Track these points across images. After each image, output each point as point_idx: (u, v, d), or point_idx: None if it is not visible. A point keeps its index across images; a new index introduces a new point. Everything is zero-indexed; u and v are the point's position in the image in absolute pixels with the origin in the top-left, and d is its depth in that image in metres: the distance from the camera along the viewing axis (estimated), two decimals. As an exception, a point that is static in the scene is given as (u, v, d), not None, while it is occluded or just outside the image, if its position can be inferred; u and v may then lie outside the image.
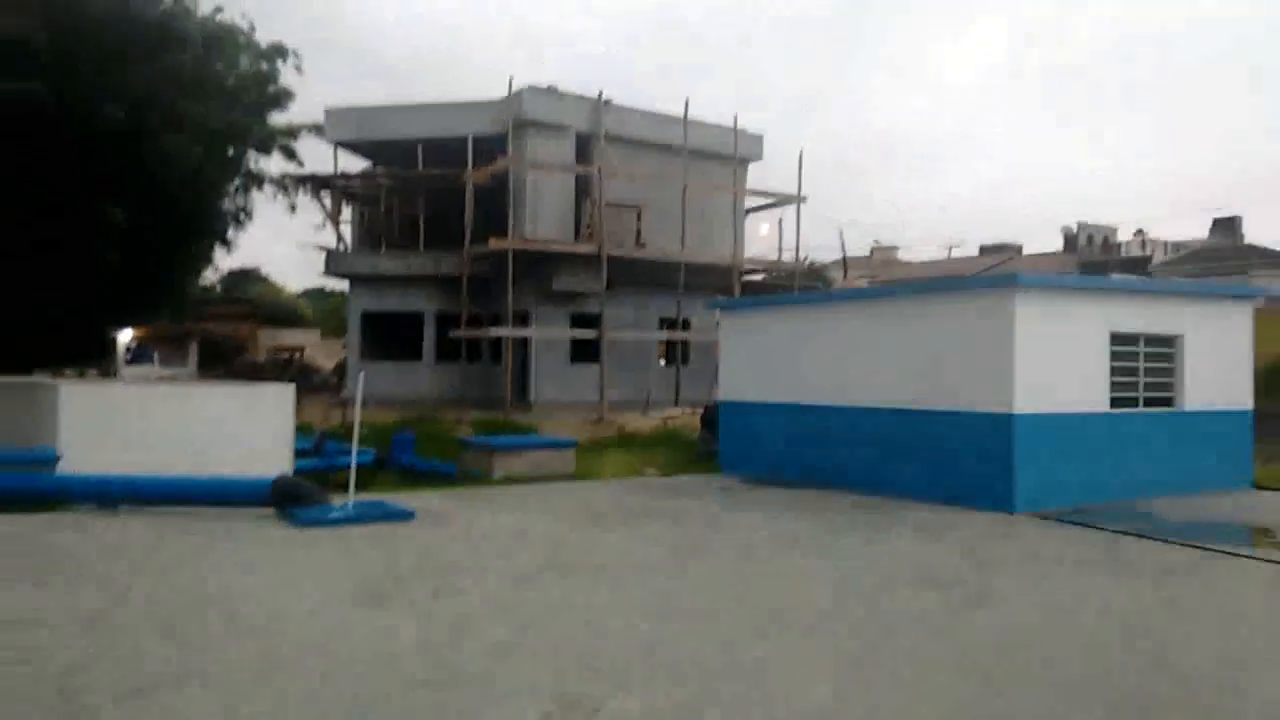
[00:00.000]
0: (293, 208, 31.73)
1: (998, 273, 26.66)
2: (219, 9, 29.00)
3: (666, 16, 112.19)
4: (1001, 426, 10.60)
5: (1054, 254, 55.35)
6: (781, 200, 31.80)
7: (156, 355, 40.11)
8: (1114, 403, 11.43)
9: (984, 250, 61.75)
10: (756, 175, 32.89)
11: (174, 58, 26.80)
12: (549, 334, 27.74)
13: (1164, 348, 11.95)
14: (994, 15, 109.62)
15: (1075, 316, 11.23)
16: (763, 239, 35.41)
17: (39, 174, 24.20)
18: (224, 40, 29.32)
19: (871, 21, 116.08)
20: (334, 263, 30.74)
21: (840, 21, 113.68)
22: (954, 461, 11.16)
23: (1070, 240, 57.47)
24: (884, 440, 12.10)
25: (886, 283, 51.18)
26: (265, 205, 32.31)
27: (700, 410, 19.92)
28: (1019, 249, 60.45)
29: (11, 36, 24.37)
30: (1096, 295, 11.75)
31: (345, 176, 30.82)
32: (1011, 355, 10.56)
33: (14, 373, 13.18)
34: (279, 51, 29.84)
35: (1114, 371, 11.43)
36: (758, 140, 32.11)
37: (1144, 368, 11.73)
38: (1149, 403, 11.79)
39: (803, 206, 31.16)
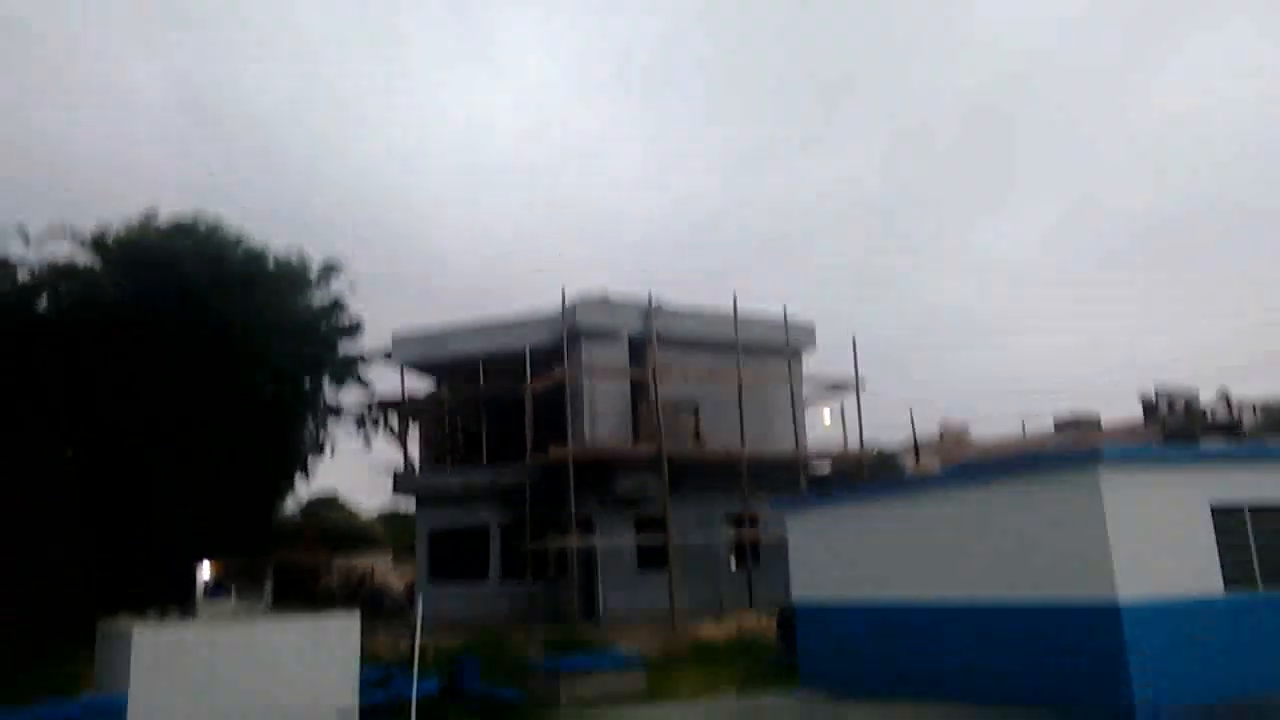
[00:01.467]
0: (366, 439, 32.52)
1: (1078, 447, 25.66)
2: (295, 246, 31.05)
3: (714, 210, 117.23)
4: (1106, 617, 9.64)
5: (1134, 424, 53.49)
6: (840, 387, 31.52)
7: (233, 588, 40.09)
8: (1227, 583, 10.40)
9: (1059, 424, 60.02)
10: (812, 363, 32.87)
11: (254, 296, 28.49)
12: (613, 541, 27.09)
13: (1276, 519, 10.98)
14: (1042, 191, 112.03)
15: (1170, 490, 10.44)
16: (825, 428, 34.90)
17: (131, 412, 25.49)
18: (298, 276, 31.19)
19: (915, 200, 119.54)
20: (401, 482, 30.99)
21: (884, 200, 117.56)
22: (1058, 658, 10.11)
23: (1150, 408, 55.62)
24: (977, 638, 11.10)
25: (960, 465, 49.74)
26: (341, 432, 32.99)
27: (776, 613, 18.84)
28: (1096, 421, 58.62)
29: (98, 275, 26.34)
30: (1190, 466, 10.97)
31: (412, 398, 31.61)
32: (1105, 537, 9.76)
33: (102, 616, 13.11)
34: (333, 269, 31.41)
35: (1221, 548, 10.47)
36: (809, 329, 32.31)
37: (1255, 544, 10.73)
38: (1268, 581, 10.70)
39: (863, 391, 30.82)
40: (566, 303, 28.58)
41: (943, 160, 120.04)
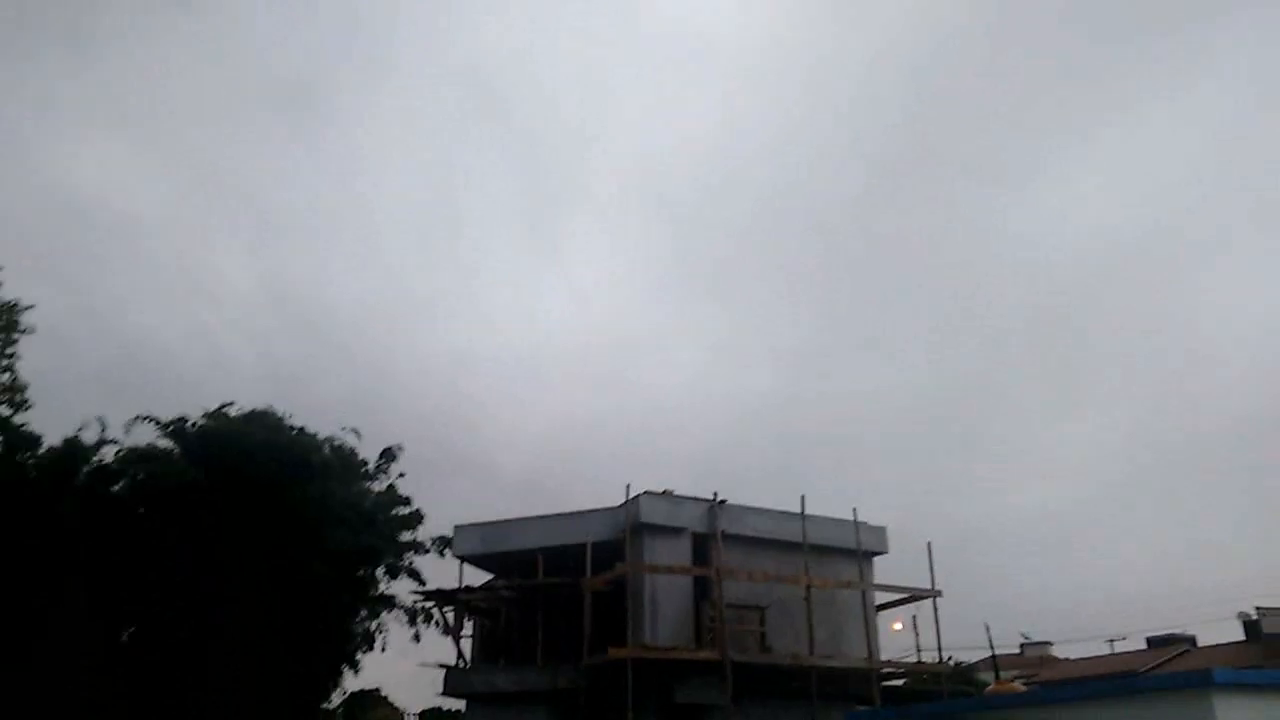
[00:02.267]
0: (416, 636, 31.79)
1: (1181, 669, 23.63)
2: (356, 435, 31.63)
3: (779, 406, 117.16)
4: None
5: (1235, 644, 49.53)
6: (915, 594, 29.93)
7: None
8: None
9: (1152, 643, 55.94)
10: (884, 568, 31.40)
11: (316, 484, 28.83)
12: (673, 755, 25.31)
13: None
14: (1116, 393, 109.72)
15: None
16: (899, 638, 32.99)
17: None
18: (359, 464, 31.66)
19: (984, 401, 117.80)
20: (452, 681, 29.78)
21: (953, 402, 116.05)
22: None
23: (1251, 627, 51.63)
24: None
25: (1047, 684, 46.21)
26: (392, 625, 32.31)
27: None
28: (1192, 640, 54.57)
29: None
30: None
31: (468, 590, 30.99)
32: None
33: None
34: (392, 458, 31.75)
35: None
36: (880, 532, 31.16)
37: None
38: None
39: (939, 600, 29.17)
40: (630, 496, 28.22)
41: (1011, 360, 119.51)
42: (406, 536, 31.77)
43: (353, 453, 32.05)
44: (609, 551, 27.84)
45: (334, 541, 28.48)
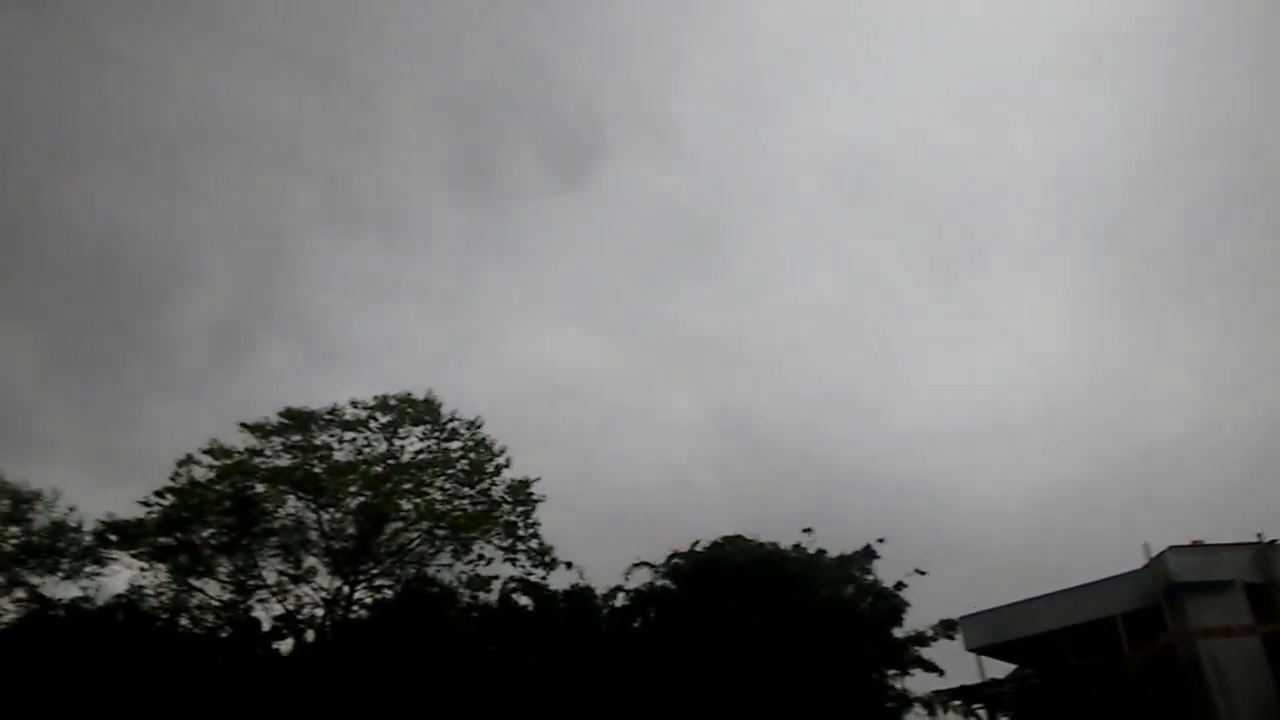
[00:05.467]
0: None
1: None
2: (822, 538, 31.96)
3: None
4: None
5: None
6: None
7: None
8: None
9: None
10: None
11: (795, 591, 29.53)
12: None
13: None
14: None
15: None
16: None
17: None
18: (836, 567, 31.78)
19: None
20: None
21: None
22: None
23: None
24: None
25: None
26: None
27: None
28: None
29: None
30: None
31: (995, 683, 29.24)
32: None
33: None
34: (872, 555, 31.28)
35: None
36: None
37: None
38: None
39: None
40: (1150, 555, 25.14)
41: None
42: (900, 632, 30.99)
43: (825, 557, 32.36)
44: (1142, 621, 24.80)
45: (828, 647, 28.59)
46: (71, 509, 30.42)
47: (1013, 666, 30.81)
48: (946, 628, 30.17)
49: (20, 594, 29.39)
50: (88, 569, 30.21)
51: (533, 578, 31.60)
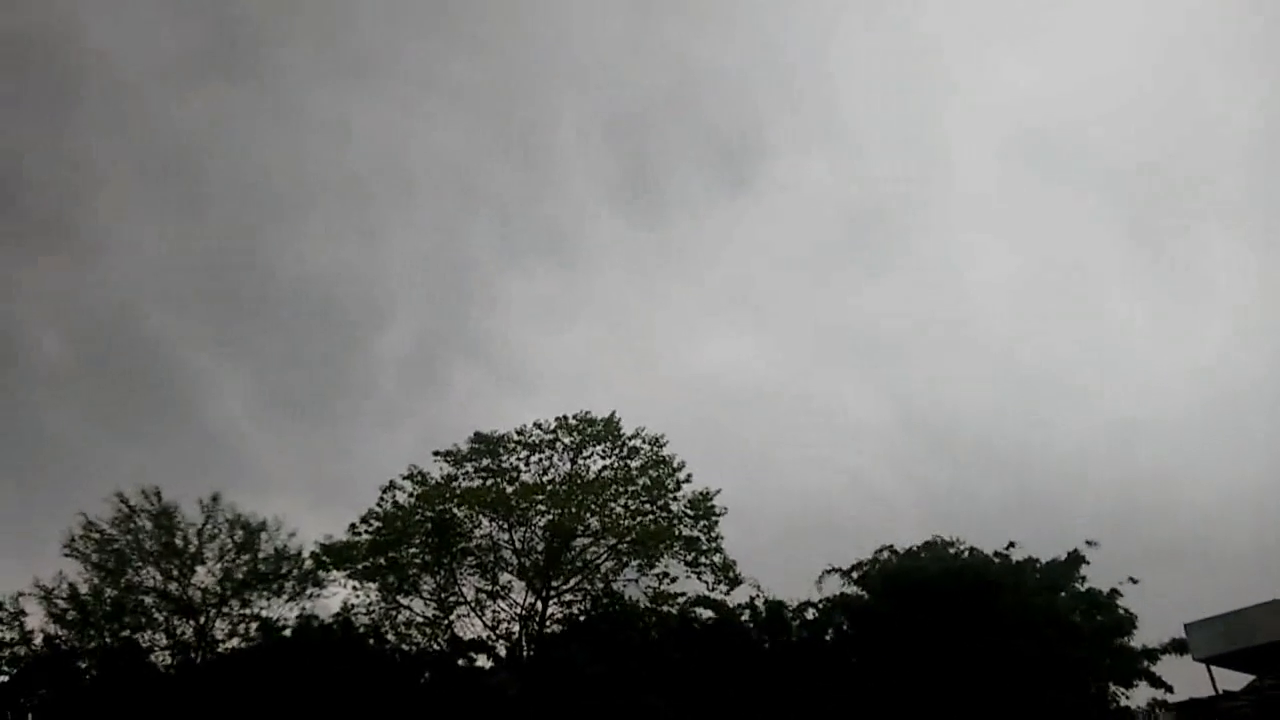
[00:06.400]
0: None
1: None
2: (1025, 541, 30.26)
3: None
4: None
5: None
6: None
7: None
8: None
9: None
10: None
11: (998, 599, 28.09)
12: None
13: None
14: None
15: None
16: None
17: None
18: (1041, 572, 30.03)
19: None
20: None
21: None
22: None
23: None
24: None
25: None
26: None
27: None
28: None
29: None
30: None
31: (1230, 696, 26.79)
32: None
33: None
34: (1077, 559, 29.53)
35: None
36: None
37: None
38: None
39: None
40: None
41: None
42: (1123, 642, 28.87)
43: (1027, 563, 30.71)
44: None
45: (1036, 658, 27.05)
46: (292, 535, 33.07)
47: (1249, 678, 28.04)
48: (1178, 646, 27.99)
49: (247, 615, 32.12)
50: (308, 591, 32.77)
51: (715, 594, 31.64)
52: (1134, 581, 29.14)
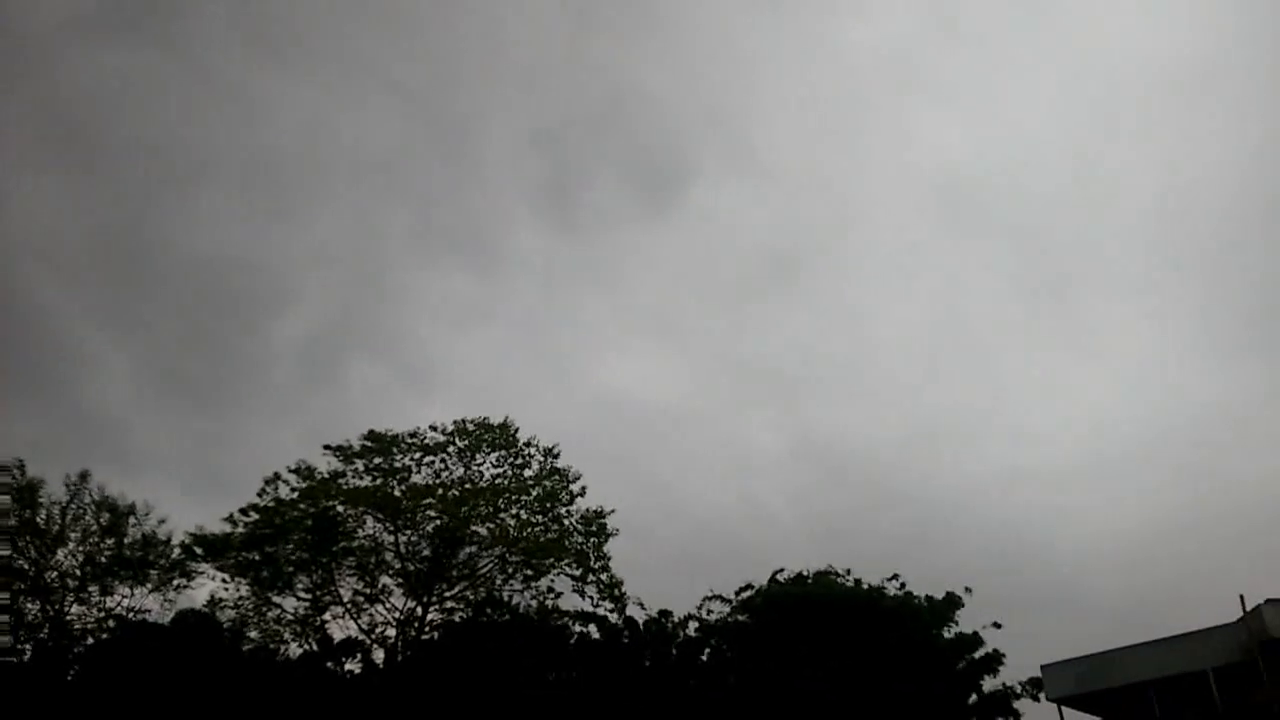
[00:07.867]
0: None
1: None
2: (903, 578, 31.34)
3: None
4: None
5: None
6: None
7: None
8: None
9: None
10: None
11: (875, 632, 29.02)
12: None
13: None
14: None
15: None
16: None
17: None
18: (916, 610, 31.10)
19: None
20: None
21: None
22: None
23: None
24: None
25: None
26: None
27: None
28: None
29: None
30: None
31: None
32: None
33: None
34: (953, 601, 30.78)
35: None
36: None
37: None
38: None
39: None
40: (1245, 609, 23.92)
41: None
42: (989, 682, 30.10)
43: (906, 599, 31.73)
44: (1236, 677, 23.51)
45: (906, 692, 27.92)
46: (162, 522, 31.58)
47: (1096, 719, 29.52)
48: (1034, 685, 29.27)
49: (109, 605, 30.48)
50: (175, 581, 31.32)
51: (599, 610, 31.61)
52: (998, 626, 30.39)
